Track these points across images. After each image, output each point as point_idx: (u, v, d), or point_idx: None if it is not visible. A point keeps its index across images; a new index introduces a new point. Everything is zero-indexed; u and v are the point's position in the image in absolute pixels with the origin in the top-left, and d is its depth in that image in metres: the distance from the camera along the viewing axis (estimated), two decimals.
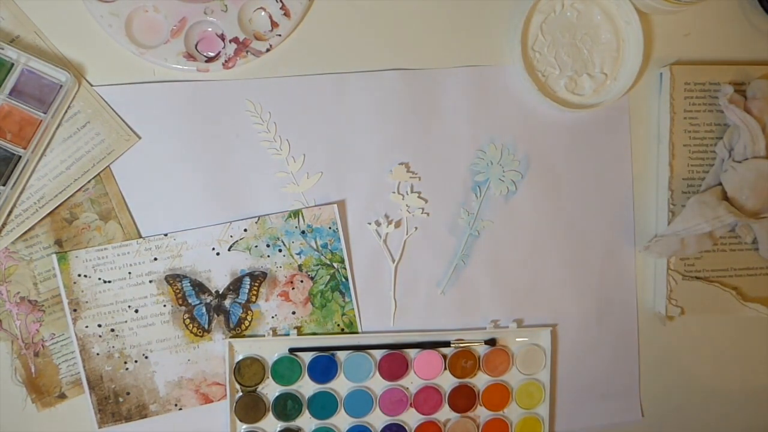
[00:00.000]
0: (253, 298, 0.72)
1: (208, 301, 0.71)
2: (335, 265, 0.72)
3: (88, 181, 0.68)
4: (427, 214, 0.74)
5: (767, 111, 0.71)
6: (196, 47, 0.68)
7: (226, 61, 0.68)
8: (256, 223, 0.71)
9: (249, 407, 0.72)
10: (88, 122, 0.67)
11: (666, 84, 0.74)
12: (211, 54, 0.68)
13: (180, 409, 0.72)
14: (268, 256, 0.71)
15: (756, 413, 0.82)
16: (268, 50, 0.69)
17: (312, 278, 0.72)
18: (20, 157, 0.65)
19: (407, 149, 0.73)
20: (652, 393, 0.79)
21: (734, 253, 0.76)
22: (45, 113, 0.65)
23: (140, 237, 0.69)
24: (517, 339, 0.76)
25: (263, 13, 0.69)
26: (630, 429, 0.79)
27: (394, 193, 0.73)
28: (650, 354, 0.78)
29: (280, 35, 0.69)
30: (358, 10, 0.71)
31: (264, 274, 0.71)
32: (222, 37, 0.68)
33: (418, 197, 0.73)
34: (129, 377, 0.70)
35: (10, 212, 0.67)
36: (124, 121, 0.68)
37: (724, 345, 0.80)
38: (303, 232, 0.71)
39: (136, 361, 0.70)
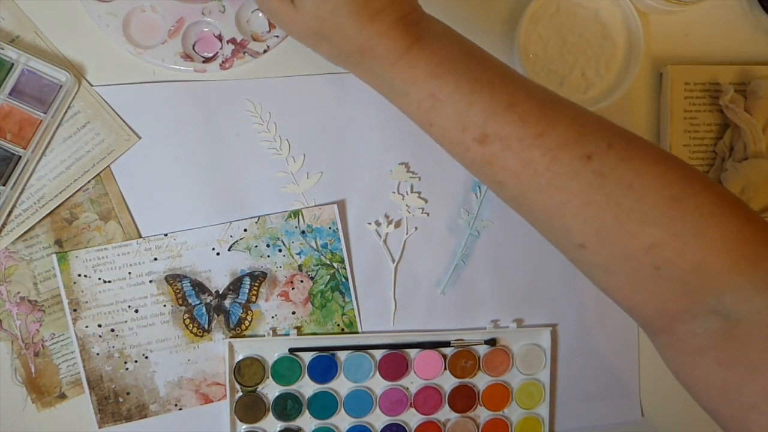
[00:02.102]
0: (253, 298, 0.72)
1: (208, 301, 0.71)
2: (335, 265, 0.72)
3: (88, 181, 0.68)
4: (427, 214, 0.74)
5: (767, 111, 0.71)
6: (193, 48, 0.69)
7: (223, 62, 0.68)
8: (256, 223, 0.71)
9: (249, 407, 0.72)
10: (88, 122, 0.67)
11: (666, 84, 0.74)
12: (209, 54, 0.69)
13: (180, 409, 0.72)
14: (268, 256, 0.71)
15: None
16: (265, 51, 0.69)
17: (312, 278, 0.72)
18: (20, 157, 0.66)
19: (407, 149, 0.73)
20: (652, 393, 0.79)
21: None
22: (45, 113, 0.66)
23: (140, 237, 0.70)
24: (517, 339, 0.76)
25: (261, 14, 0.69)
26: (630, 429, 0.79)
27: (394, 193, 0.73)
28: (650, 354, 0.78)
29: (277, 36, 0.69)
30: None
31: (264, 274, 0.71)
32: (219, 37, 0.68)
33: (418, 197, 0.73)
34: (129, 377, 0.70)
35: (10, 212, 0.67)
36: (124, 121, 0.68)
37: None
38: (303, 232, 0.71)
39: (136, 361, 0.70)
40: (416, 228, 0.74)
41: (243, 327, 0.72)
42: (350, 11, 0.51)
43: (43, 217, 0.68)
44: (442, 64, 0.52)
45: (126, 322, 0.70)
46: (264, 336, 0.72)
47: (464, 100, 0.52)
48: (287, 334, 0.72)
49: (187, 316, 0.71)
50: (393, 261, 0.74)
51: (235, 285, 0.71)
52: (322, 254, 0.72)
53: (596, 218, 0.50)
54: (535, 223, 0.56)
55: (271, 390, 0.73)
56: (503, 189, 0.54)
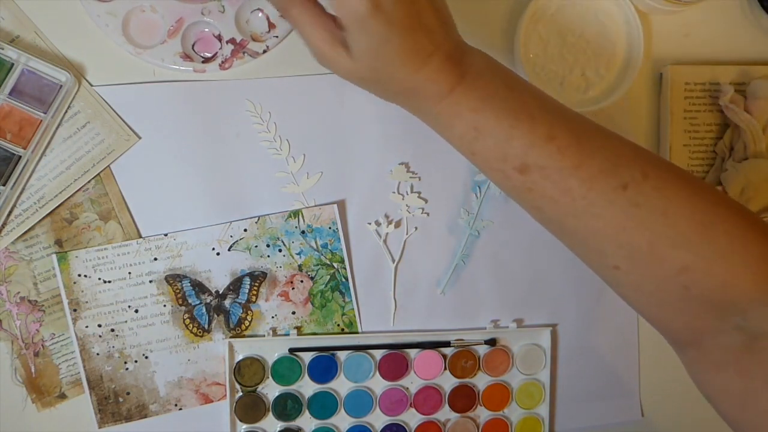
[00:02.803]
0: (253, 298, 0.72)
1: (208, 301, 0.71)
2: (335, 265, 0.72)
3: (88, 181, 0.68)
4: (427, 214, 0.74)
5: (767, 111, 0.71)
6: (193, 48, 0.69)
7: (222, 62, 0.68)
8: (256, 223, 0.71)
9: (249, 407, 0.72)
10: (88, 122, 0.67)
11: (666, 84, 0.74)
12: (208, 55, 0.69)
13: (180, 409, 0.72)
14: (268, 256, 0.71)
15: None
16: (264, 51, 0.69)
17: (312, 278, 0.72)
18: (20, 157, 0.66)
19: (407, 149, 0.73)
20: (652, 393, 0.79)
21: None
22: (45, 113, 0.66)
23: (140, 237, 0.70)
24: (517, 339, 0.76)
25: (260, 14, 0.69)
26: (630, 429, 0.79)
27: (394, 193, 0.73)
28: (650, 354, 0.78)
29: (276, 37, 0.69)
30: None
31: (264, 274, 0.71)
32: (219, 38, 0.68)
33: (418, 197, 0.73)
34: (129, 377, 0.71)
35: (10, 212, 0.67)
36: (124, 121, 0.68)
37: None
38: (303, 232, 0.71)
39: (136, 361, 0.70)
40: (416, 228, 0.74)
41: (243, 327, 0.72)
42: (403, 60, 0.52)
43: (43, 217, 0.68)
44: (484, 99, 0.53)
45: (126, 322, 0.70)
46: (264, 336, 0.72)
47: (505, 133, 0.53)
48: (287, 334, 0.72)
49: (187, 316, 0.71)
50: (393, 261, 0.74)
51: (235, 285, 0.71)
52: (322, 254, 0.72)
53: (630, 243, 0.53)
54: (571, 246, 0.58)
55: (271, 390, 0.73)
56: (541, 213, 0.56)
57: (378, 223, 0.73)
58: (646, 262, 0.53)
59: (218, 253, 0.71)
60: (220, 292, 0.71)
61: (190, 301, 0.71)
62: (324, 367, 0.73)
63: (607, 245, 0.54)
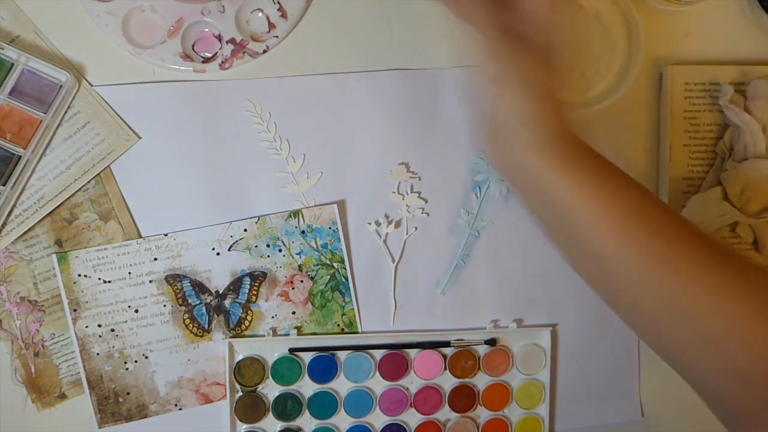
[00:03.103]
0: (253, 298, 0.72)
1: (208, 301, 0.71)
2: (335, 265, 0.72)
3: (88, 181, 0.68)
4: (427, 214, 0.74)
5: (767, 111, 0.71)
6: (193, 48, 0.69)
7: (222, 62, 0.68)
8: (256, 223, 0.71)
9: (249, 407, 0.72)
10: (88, 122, 0.67)
11: (666, 84, 0.74)
12: (208, 55, 0.69)
13: (180, 409, 0.72)
14: (268, 256, 0.71)
15: None
16: (264, 51, 0.69)
17: (312, 278, 0.72)
18: (20, 157, 0.66)
19: (407, 149, 0.73)
20: (652, 393, 0.79)
21: None
22: (45, 113, 0.66)
23: (140, 237, 0.70)
24: (517, 339, 0.76)
25: (260, 14, 0.69)
26: (630, 429, 0.79)
27: (394, 193, 0.73)
28: (650, 354, 0.78)
29: (277, 37, 0.69)
30: (357, 10, 0.71)
31: (264, 274, 0.71)
32: (219, 38, 0.68)
33: (418, 197, 0.73)
34: (129, 377, 0.70)
35: (10, 212, 0.67)
36: (124, 121, 0.68)
37: None
38: (303, 232, 0.71)
39: (136, 361, 0.70)
40: (416, 228, 0.74)
41: (243, 327, 0.72)
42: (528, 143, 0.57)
43: (43, 217, 0.68)
44: (590, 155, 0.59)
45: (126, 322, 0.70)
46: (264, 336, 0.72)
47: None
48: (287, 334, 0.72)
49: (187, 316, 0.71)
50: (393, 261, 0.74)
51: (235, 285, 0.71)
52: (322, 254, 0.72)
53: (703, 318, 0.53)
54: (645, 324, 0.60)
55: (271, 390, 0.73)
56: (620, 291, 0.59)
57: (378, 223, 0.73)
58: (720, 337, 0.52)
59: (218, 253, 0.71)
60: (220, 292, 0.71)
61: (190, 301, 0.71)
62: (324, 367, 0.73)
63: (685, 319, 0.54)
